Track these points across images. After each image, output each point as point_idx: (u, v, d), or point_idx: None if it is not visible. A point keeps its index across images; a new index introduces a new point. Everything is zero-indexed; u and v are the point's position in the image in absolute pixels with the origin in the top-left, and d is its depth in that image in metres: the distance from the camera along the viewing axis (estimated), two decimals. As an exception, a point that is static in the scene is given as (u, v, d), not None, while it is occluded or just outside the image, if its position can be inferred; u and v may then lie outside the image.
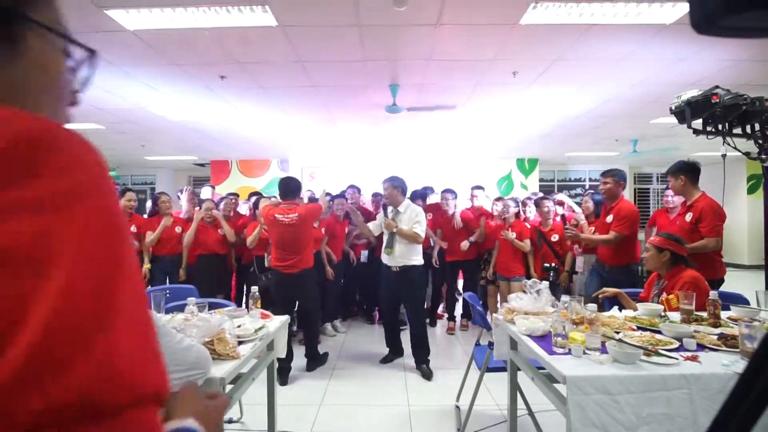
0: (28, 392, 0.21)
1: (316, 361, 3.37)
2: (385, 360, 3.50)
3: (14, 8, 0.35)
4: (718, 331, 1.65)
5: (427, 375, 3.16)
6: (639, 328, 1.71)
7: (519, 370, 1.91)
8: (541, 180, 9.17)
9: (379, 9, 2.69)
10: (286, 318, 2.01)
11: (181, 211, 4.36)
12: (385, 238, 3.41)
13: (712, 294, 1.85)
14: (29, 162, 0.26)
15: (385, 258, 3.38)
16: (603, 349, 1.41)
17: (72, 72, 0.42)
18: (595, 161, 9.21)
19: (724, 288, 2.60)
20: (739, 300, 2.29)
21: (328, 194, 4.21)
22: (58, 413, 0.22)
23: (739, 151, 2.40)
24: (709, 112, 2.33)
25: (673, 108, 2.52)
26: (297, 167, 9.59)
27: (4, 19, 0.34)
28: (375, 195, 5.10)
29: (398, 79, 4.05)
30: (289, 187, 3.28)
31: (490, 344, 2.07)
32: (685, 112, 2.47)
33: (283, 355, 1.99)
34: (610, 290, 2.31)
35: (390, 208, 3.42)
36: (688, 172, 3.00)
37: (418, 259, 3.33)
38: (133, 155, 8.12)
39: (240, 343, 1.54)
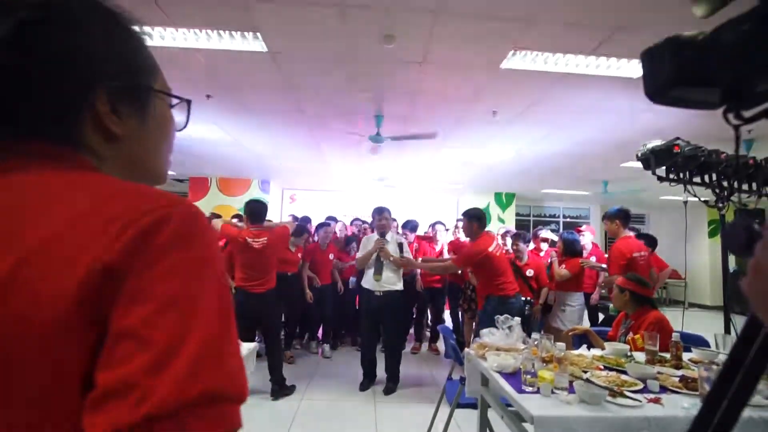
0: (195, 381, 0.32)
1: (281, 388, 3.31)
2: (363, 387, 3.49)
3: (149, 85, 0.48)
4: (680, 373, 1.70)
5: (393, 390, 3.45)
6: (606, 368, 1.74)
7: (490, 407, 1.89)
8: (517, 214, 9.43)
9: (369, 44, 2.80)
10: (254, 346, 1.95)
11: None
12: (372, 264, 3.53)
13: (675, 336, 1.92)
14: (188, 234, 0.37)
15: (369, 284, 3.50)
16: (570, 389, 1.43)
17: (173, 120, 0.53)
18: (569, 199, 9.56)
19: (687, 329, 2.70)
20: (700, 342, 2.37)
21: (295, 218, 4.57)
22: (208, 397, 0.32)
23: (699, 198, 2.57)
24: (671, 161, 2.50)
25: (639, 155, 2.69)
26: (278, 189, 9.55)
27: (144, 93, 0.47)
28: (354, 221, 5.23)
29: (383, 111, 4.17)
30: (260, 213, 3.43)
31: (462, 379, 2.05)
32: (650, 160, 2.64)
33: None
34: (580, 328, 2.36)
35: (376, 237, 3.58)
36: (621, 217, 3.49)
37: (401, 285, 3.55)
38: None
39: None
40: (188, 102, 0.53)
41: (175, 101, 0.52)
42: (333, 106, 4.08)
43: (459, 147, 5.52)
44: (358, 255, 3.66)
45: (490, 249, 3.16)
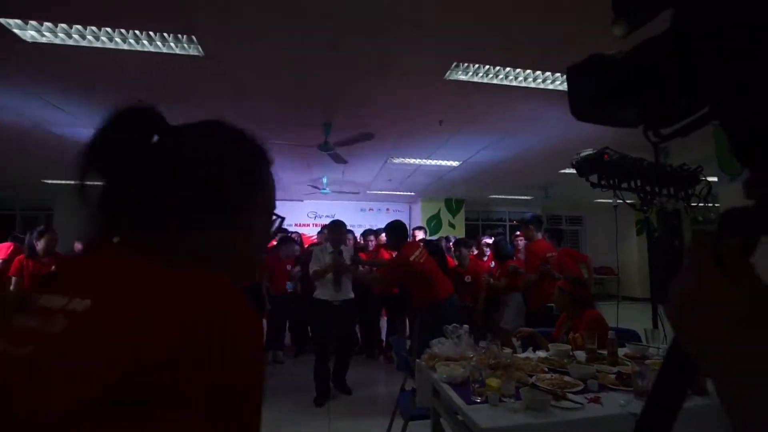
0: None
1: None
2: (320, 403, 3.40)
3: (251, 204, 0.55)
4: (616, 369, 1.79)
5: (348, 391, 3.59)
6: (550, 370, 1.80)
7: (442, 417, 1.88)
8: (467, 219, 9.72)
9: (314, 48, 2.73)
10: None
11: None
12: (330, 277, 3.55)
13: (610, 334, 2.03)
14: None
15: (327, 295, 3.52)
16: (517, 395, 1.45)
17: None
18: (514, 204, 10.03)
19: (621, 321, 2.88)
20: (633, 337, 2.54)
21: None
22: None
23: (626, 202, 2.80)
24: (601, 168, 2.70)
25: (574, 163, 2.87)
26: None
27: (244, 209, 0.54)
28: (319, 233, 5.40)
29: (332, 118, 4.11)
30: None
31: (414, 390, 2.03)
32: (583, 167, 2.83)
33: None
34: (526, 330, 2.44)
35: (330, 248, 3.65)
36: (534, 223, 3.89)
37: (352, 294, 3.66)
38: (28, 177, 7.09)
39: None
40: (282, 218, 0.65)
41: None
42: (279, 113, 3.96)
43: (406, 157, 5.59)
44: (314, 267, 3.60)
45: (411, 258, 3.17)
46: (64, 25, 2.40)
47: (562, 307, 2.39)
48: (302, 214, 9.17)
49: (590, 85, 0.51)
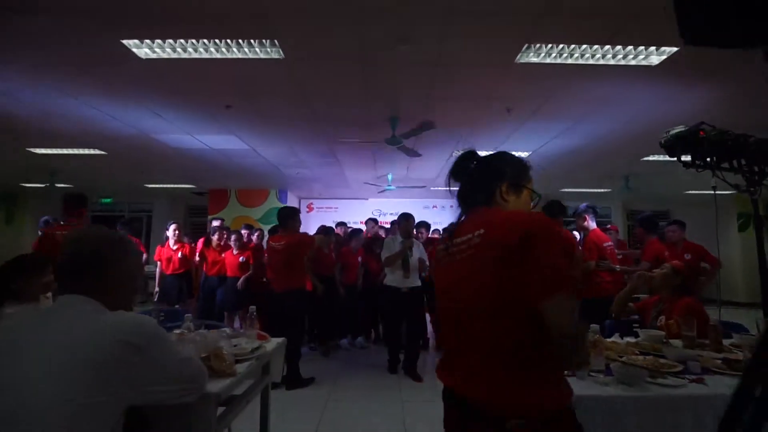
0: None
1: (294, 382, 3.46)
2: (392, 368, 3.83)
3: (523, 184, 1.10)
4: (721, 355, 1.63)
5: (419, 377, 3.70)
6: (642, 353, 1.69)
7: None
8: (536, 215, 9.28)
9: (382, 46, 2.84)
10: (282, 340, 1.96)
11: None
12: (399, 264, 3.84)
13: (713, 320, 1.85)
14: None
15: (396, 282, 3.80)
16: (607, 372, 1.39)
17: None
18: (590, 197, 9.37)
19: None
20: (739, 329, 2.28)
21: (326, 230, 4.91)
22: None
23: (729, 183, 2.50)
24: (696, 146, 2.46)
25: (663, 142, 2.64)
26: (295, 198, 9.68)
27: (519, 186, 1.10)
28: (371, 221, 5.81)
29: (398, 113, 4.20)
30: (282, 216, 3.69)
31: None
32: (673, 146, 2.60)
33: (278, 380, 1.94)
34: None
35: (400, 238, 3.94)
36: (588, 213, 3.74)
37: (419, 282, 3.92)
38: (132, 182, 8.17)
39: (237, 362, 1.50)
40: (539, 196, 1.14)
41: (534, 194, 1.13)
42: (348, 111, 4.14)
43: (474, 147, 5.50)
44: (385, 255, 3.83)
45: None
46: (170, 41, 2.76)
47: (662, 289, 2.21)
48: (367, 212, 9.42)
49: (703, 7, 0.51)
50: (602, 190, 8.45)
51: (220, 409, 1.45)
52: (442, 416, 1.04)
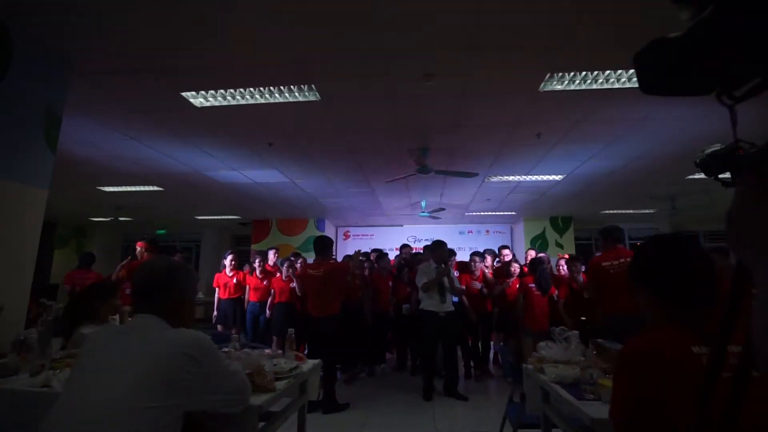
0: None
1: (330, 407, 3.53)
2: (428, 396, 3.85)
3: None
4: None
5: (464, 397, 3.80)
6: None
7: (555, 427, 1.84)
8: (577, 239, 8.98)
9: (410, 82, 3.05)
10: (318, 361, 2.09)
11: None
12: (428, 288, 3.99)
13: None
14: None
15: (434, 306, 3.94)
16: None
17: None
18: (633, 219, 8.96)
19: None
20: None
21: (363, 254, 5.01)
22: None
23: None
24: (734, 164, 2.40)
25: (698, 161, 2.60)
26: (332, 227, 10.00)
27: None
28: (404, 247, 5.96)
29: (428, 143, 4.37)
30: (320, 246, 3.89)
31: (522, 397, 2.02)
32: (710, 165, 2.55)
33: (314, 398, 2.05)
34: None
35: (434, 264, 4.15)
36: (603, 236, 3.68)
37: (452, 306, 4.10)
38: (185, 215, 8.85)
39: (276, 379, 1.64)
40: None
41: None
42: (379, 143, 4.37)
43: (505, 174, 5.55)
44: (423, 281, 4.00)
45: None
46: (222, 90, 3.13)
47: None
48: (402, 238, 9.53)
49: (658, 61, 0.63)
50: (647, 211, 8.07)
51: (261, 424, 1.58)
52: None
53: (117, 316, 2.26)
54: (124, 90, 3.12)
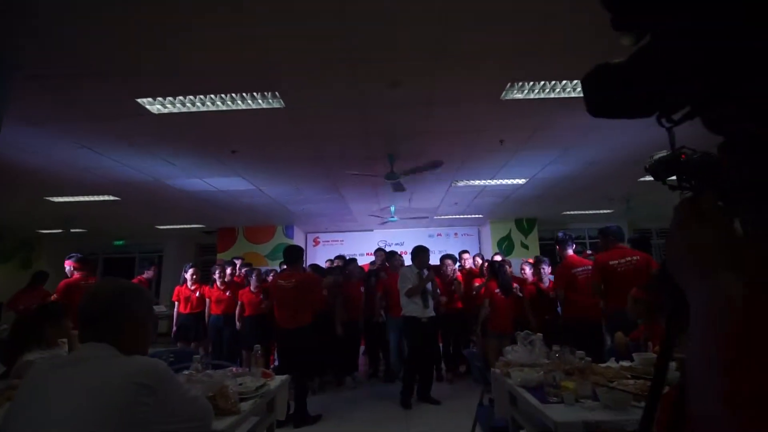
0: None
1: (301, 420, 3.47)
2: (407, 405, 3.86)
3: None
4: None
5: (437, 401, 3.86)
6: (634, 377, 1.73)
7: (522, 428, 1.88)
8: (541, 239, 9.30)
9: (377, 91, 3.05)
10: (286, 377, 2.04)
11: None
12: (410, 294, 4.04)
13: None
14: None
15: (417, 312, 3.96)
16: (594, 398, 1.44)
17: None
18: (593, 219, 9.39)
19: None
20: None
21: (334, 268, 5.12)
22: None
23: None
24: (679, 169, 2.58)
25: (647, 167, 2.77)
26: (301, 233, 9.84)
27: None
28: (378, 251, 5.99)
29: (394, 150, 4.40)
30: (291, 256, 3.85)
31: (491, 401, 2.05)
32: (658, 170, 2.72)
33: (282, 418, 1.99)
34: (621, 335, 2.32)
35: (416, 269, 4.17)
36: (560, 243, 4.13)
37: (434, 312, 4.15)
38: (144, 224, 8.43)
39: (241, 400, 1.58)
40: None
41: None
42: (347, 150, 4.35)
43: (471, 179, 5.67)
44: (408, 286, 4.00)
45: None
46: (180, 97, 3.01)
47: (639, 316, 2.26)
48: (373, 243, 9.52)
49: (602, 86, 0.66)
50: (605, 211, 8.49)
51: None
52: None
53: (66, 340, 2.11)
54: (75, 95, 2.93)
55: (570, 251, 4.04)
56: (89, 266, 4.62)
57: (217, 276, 5.13)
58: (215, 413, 1.38)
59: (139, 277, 5.87)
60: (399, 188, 5.12)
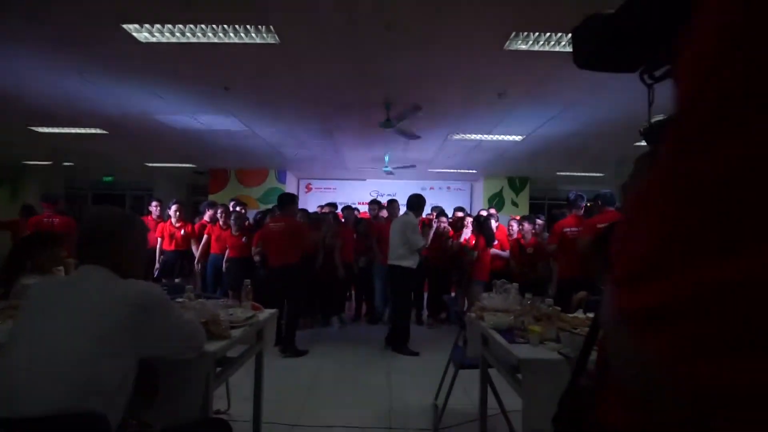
0: None
1: (290, 347, 3.74)
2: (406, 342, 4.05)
3: None
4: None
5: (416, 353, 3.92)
6: (597, 326, 1.87)
7: (491, 366, 2.05)
8: (531, 198, 9.42)
9: (373, 31, 2.92)
10: (274, 311, 2.16)
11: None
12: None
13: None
14: None
15: (413, 262, 4.04)
16: (558, 341, 1.57)
17: None
18: (584, 181, 9.47)
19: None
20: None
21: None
22: None
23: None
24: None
25: (642, 130, 2.78)
26: (294, 179, 9.80)
27: None
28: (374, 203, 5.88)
29: (391, 97, 4.29)
30: (282, 202, 4.08)
31: (465, 342, 2.22)
32: (652, 135, 2.73)
33: (270, 347, 2.14)
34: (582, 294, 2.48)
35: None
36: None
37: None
38: (134, 161, 8.29)
39: (231, 328, 1.69)
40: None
41: None
42: (342, 94, 4.23)
43: (467, 132, 5.61)
44: (419, 238, 4.09)
45: None
46: (169, 26, 2.85)
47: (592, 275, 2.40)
48: (364, 193, 9.57)
49: (591, 37, 0.66)
50: (597, 174, 8.55)
51: (218, 369, 1.65)
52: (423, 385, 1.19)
53: (62, 268, 2.18)
54: (55, 17, 2.76)
55: (575, 211, 4.14)
56: (53, 204, 4.87)
57: (219, 215, 5.12)
58: (208, 337, 1.49)
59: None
60: (411, 135, 5.01)
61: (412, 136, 5.06)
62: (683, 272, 0.22)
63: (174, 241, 5.09)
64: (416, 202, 4.13)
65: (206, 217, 5.36)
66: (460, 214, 5.56)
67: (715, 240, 0.22)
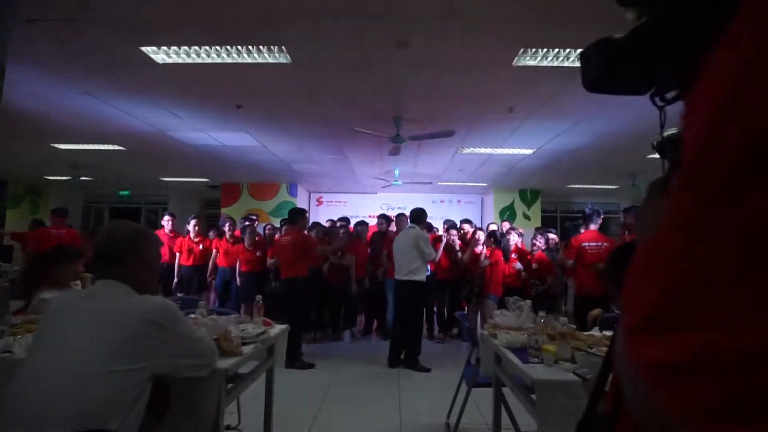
0: None
1: (295, 360, 3.72)
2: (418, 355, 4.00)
3: None
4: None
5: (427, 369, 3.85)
6: (613, 345, 1.82)
7: (504, 386, 2.01)
8: (543, 211, 9.32)
9: (384, 50, 2.98)
10: (286, 327, 2.16)
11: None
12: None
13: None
14: None
15: (424, 276, 4.10)
16: (573, 361, 1.54)
17: None
18: (597, 194, 9.36)
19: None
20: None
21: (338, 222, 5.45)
22: None
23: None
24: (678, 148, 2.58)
25: (654, 144, 2.75)
26: (305, 192, 9.89)
27: None
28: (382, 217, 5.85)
29: (401, 113, 4.34)
30: (291, 217, 4.24)
31: (477, 360, 2.18)
32: (665, 148, 2.70)
33: (282, 366, 2.14)
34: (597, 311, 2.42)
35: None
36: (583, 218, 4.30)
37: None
38: (149, 176, 8.48)
39: (243, 344, 1.69)
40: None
41: None
42: (353, 111, 4.29)
43: (477, 146, 5.61)
44: (431, 251, 4.10)
45: None
46: (185, 47, 2.95)
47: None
48: (375, 206, 9.59)
49: (601, 60, 0.67)
50: (610, 187, 8.44)
51: (229, 386, 1.65)
52: (435, 402, 1.17)
53: (79, 282, 2.22)
54: (78, 42, 2.88)
55: (592, 226, 4.11)
56: (63, 217, 5.20)
57: (227, 229, 5.24)
58: (219, 354, 1.49)
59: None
60: (395, 152, 5.07)
61: (449, 133, 4.91)
62: (707, 329, 0.21)
63: (192, 256, 5.17)
64: (420, 215, 4.19)
65: (211, 232, 5.53)
66: (466, 226, 5.51)
67: (749, 296, 0.20)
